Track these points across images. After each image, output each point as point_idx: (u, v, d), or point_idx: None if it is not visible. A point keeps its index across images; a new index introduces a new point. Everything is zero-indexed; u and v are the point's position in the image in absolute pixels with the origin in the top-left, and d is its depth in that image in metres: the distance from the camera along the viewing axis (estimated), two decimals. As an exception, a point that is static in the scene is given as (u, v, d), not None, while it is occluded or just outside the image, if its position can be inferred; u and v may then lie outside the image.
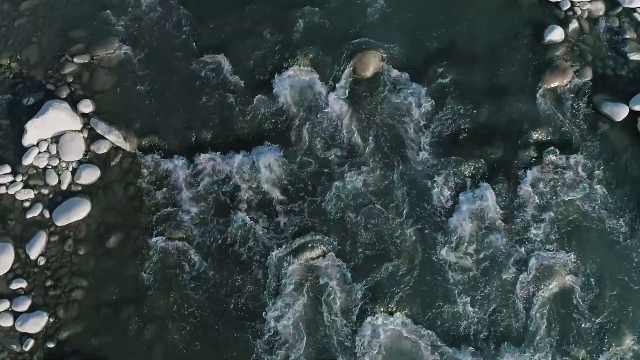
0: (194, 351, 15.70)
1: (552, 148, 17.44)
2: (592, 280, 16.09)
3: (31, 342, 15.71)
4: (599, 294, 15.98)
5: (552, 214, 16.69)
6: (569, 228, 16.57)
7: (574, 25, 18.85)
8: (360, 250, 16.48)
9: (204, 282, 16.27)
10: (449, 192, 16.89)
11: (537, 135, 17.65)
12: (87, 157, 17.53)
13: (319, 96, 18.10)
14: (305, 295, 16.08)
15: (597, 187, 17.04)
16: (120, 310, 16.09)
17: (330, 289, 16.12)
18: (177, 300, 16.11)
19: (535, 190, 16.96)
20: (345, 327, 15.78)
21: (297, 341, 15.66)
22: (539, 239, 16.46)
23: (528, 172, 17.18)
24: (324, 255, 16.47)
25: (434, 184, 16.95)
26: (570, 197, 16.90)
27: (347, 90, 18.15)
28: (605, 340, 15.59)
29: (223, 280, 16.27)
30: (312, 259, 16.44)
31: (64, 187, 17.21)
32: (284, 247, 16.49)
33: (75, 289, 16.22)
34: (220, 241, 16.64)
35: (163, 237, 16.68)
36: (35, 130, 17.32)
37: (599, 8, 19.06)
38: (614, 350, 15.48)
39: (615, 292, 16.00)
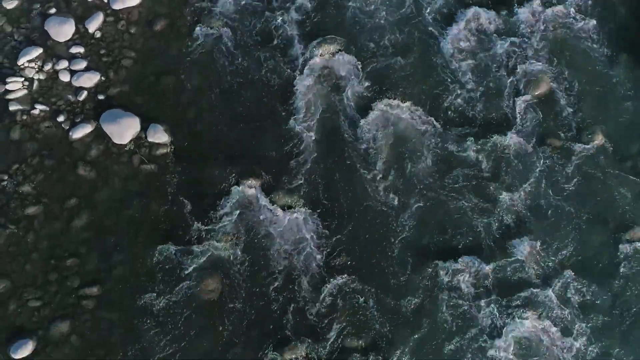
0: (222, 117, 18.20)
1: (550, -14, 19.83)
2: (572, 88, 18.44)
3: (84, 94, 18.29)
4: (577, 100, 18.33)
5: (544, 35, 19.05)
6: (558, 47, 18.95)
7: None
8: (371, 50, 18.93)
9: (235, 62, 18.79)
10: (450, 9, 19.36)
11: (537, -25, 20.06)
12: (143, -41, 20.12)
13: None
14: (322, 81, 18.54)
15: (588, 21, 19.31)
16: (162, 79, 18.64)
17: (344, 77, 18.57)
18: (212, 75, 18.66)
19: (531, 17, 19.28)
20: (353, 109, 18.23)
21: (313, 113, 18.14)
22: (529, 53, 18.82)
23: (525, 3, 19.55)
24: (340, 51, 18.90)
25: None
26: (561, 25, 19.22)
27: None
28: (580, 135, 17.92)
29: (252, 62, 18.80)
30: (331, 53, 18.88)
31: (121, -21, 19.82)
32: (307, 40, 18.99)
33: (124, 59, 18.80)
34: (252, 32, 19.15)
35: (203, 26, 19.20)
36: None
37: None
38: (587, 144, 17.78)
39: (591, 100, 18.37)
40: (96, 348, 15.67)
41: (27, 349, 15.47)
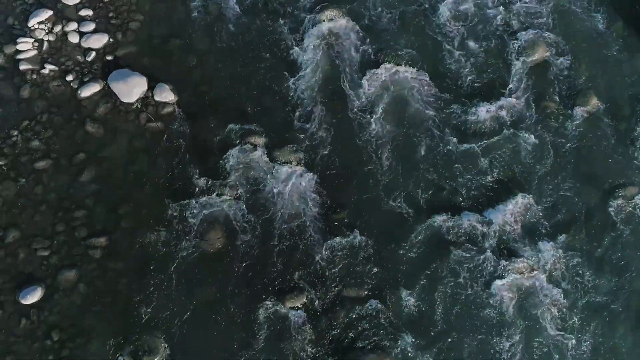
0: (226, 78, 18.71)
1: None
2: (568, 54, 18.93)
3: (93, 54, 18.79)
4: (572, 65, 18.83)
5: (540, 1, 19.57)
6: (554, 13, 19.46)
7: None
8: (372, 15, 19.48)
9: (239, 26, 19.31)
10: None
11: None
12: None
13: None
14: (324, 45, 19.04)
15: (583, -9, 19.94)
16: (169, 42, 19.15)
17: (345, 41, 19.07)
18: (217, 38, 19.18)
19: (529, -15, 19.88)
20: (353, 71, 18.73)
21: (314, 75, 18.64)
22: (526, 18, 19.33)
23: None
24: (342, 16, 19.39)
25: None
26: (558, -9, 19.81)
27: None
28: (575, 98, 18.41)
29: (256, 26, 19.34)
30: (333, 18, 19.36)
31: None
32: (310, 4, 19.53)
33: (132, 21, 19.30)
34: (257, -4, 19.79)
35: (209, -10, 19.77)
36: None
37: None
38: (582, 107, 18.29)
39: (586, 65, 18.90)
40: (103, 295, 16.13)
41: (36, 295, 15.93)
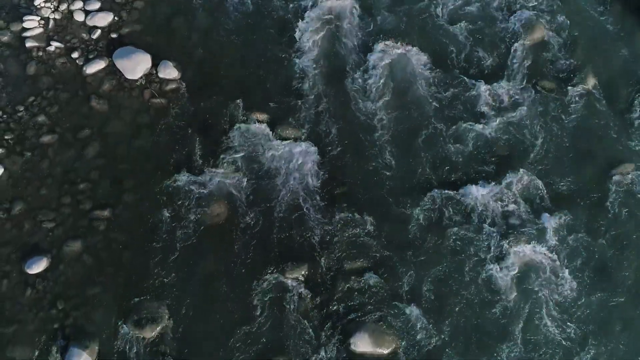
0: (229, 56, 19.04)
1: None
2: (566, 35, 19.23)
3: (98, 32, 19.10)
4: (570, 46, 19.11)
5: (539, -16, 19.91)
6: (553, -2, 19.81)
7: None
8: (375, -5, 19.91)
9: (242, 4, 19.66)
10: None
11: None
12: None
13: None
14: (326, 23, 19.38)
15: (582, -26, 20.20)
16: (172, 20, 19.51)
17: (346, 20, 19.39)
18: (220, 16, 19.60)
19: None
20: (354, 49, 19.02)
21: (316, 54, 18.95)
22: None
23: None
24: (344, -4, 19.79)
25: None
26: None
27: None
28: (573, 78, 18.67)
29: (259, 4, 19.70)
30: (335, -4, 19.77)
31: None
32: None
33: (137, 0, 19.66)
34: (260, -22, 20.09)
35: (212, -30, 20.07)
36: None
37: None
38: (579, 87, 18.55)
39: (585, 45, 19.19)
40: (107, 266, 16.39)
41: (41, 265, 16.21)
